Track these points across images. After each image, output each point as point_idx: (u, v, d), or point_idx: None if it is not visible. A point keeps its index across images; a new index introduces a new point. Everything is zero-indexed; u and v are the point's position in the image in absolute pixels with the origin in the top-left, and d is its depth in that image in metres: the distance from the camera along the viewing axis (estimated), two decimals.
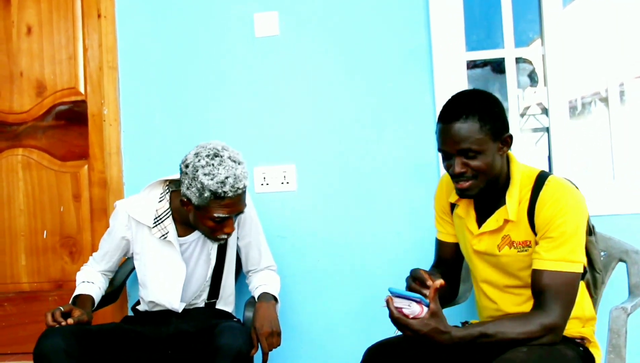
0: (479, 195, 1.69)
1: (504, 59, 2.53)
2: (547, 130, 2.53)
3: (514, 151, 2.46)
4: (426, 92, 2.44)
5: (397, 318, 1.53)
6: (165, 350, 2.00)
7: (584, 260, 1.64)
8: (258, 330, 1.91)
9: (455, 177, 1.68)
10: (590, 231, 1.76)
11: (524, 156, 2.49)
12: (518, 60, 2.60)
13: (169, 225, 2.04)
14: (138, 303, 2.21)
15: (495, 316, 1.77)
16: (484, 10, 2.81)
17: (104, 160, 2.62)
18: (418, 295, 1.53)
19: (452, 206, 1.87)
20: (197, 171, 1.85)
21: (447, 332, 1.52)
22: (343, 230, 2.49)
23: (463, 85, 2.45)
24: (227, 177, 1.83)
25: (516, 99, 2.52)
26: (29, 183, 2.72)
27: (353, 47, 2.50)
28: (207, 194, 1.84)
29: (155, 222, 2.03)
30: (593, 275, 1.81)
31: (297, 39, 2.53)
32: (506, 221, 1.70)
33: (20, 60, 2.73)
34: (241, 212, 1.95)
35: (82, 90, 2.69)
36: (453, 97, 1.70)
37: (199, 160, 1.86)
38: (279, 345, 1.94)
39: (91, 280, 2.11)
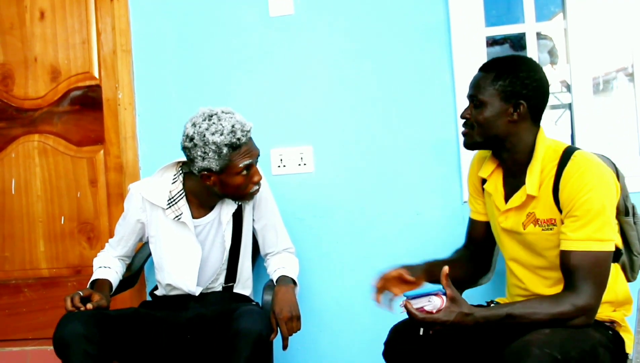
0: (479, 149, 1.76)
1: (524, 34, 2.46)
2: (570, 107, 2.46)
3: None
4: (445, 70, 2.38)
5: (424, 318, 1.50)
6: (184, 334, 1.99)
7: (615, 238, 1.57)
8: (277, 315, 1.88)
9: (463, 122, 1.75)
10: (627, 211, 1.69)
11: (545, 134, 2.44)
12: (538, 36, 2.53)
13: (183, 206, 2.02)
14: (156, 288, 2.20)
15: (524, 296, 1.73)
16: None
17: (120, 144, 2.61)
18: (433, 288, 1.51)
19: (483, 182, 1.83)
20: (204, 136, 1.84)
21: (471, 313, 1.49)
22: (361, 211, 2.46)
23: (483, 61, 2.37)
24: (233, 126, 1.85)
25: None
26: (46, 169, 2.71)
27: (369, 25, 2.45)
28: (225, 151, 1.84)
29: (169, 204, 2.02)
30: (630, 258, 1.73)
31: (313, 18, 2.48)
32: (529, 197, 1.66)
33: (34, 46, 2.71)
34: (258, 154, 1.95)
35: (96, 74, 2.67)
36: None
37: (200, 127, 1.86)
38: (299, 329, 1.92)
39: (108, 265, 2.10)
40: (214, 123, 1.85)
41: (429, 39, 2.42)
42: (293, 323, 1.90)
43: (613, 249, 1.56)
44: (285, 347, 1.90)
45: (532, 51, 2.43)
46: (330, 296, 2.48)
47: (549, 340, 1.42)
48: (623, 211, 1.68)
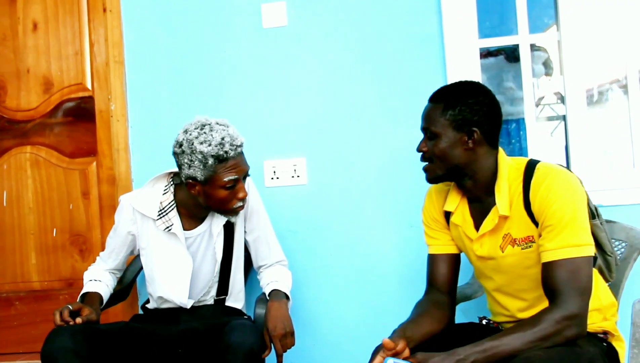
0: (443, 181, 1.74)
1: (518, 46, 2.46)
2: (564, 118, 2.46)
3: (530, 141, 2.43)
4: (438, 81, 2.37)
5: None
6: (175, 348, 1.97)
7: (592, 242, 1.56)
8: (271, 332, 1.85)
9: (421, 156, 1.73)
10: (593, 214, 1.68)
11: (540, 146, 2.43)
12: (532, 48, 2.53)
13: (174, 217, 2.01)
14: (148, 301, 2.18)
15: (511, 322, 1.70)
16: None
17: (112, 156, 2.60)
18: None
19: (447, 216, 1.81)
20: (192, 144, 1.83)
21: (448, 356, 1.43)
22: (355, 223, 2.44)
23: (476, 73, 2.39)
24: (223, 138, 1.83)
25: (531, 87, 2.45)
26: (38, 181, 2.69)
27: (362, 36, 2.45)
28: (210, 161, 1.82)
29: (159, 215, 2.00)
30: (605, 259, 1.74)
31: (306, 29, 2.48)
32: (502, 218, 1.65)
33: (26, 57, 2.70)
34: (247, 172, 1.93)
35: (89, 85, 2.66)
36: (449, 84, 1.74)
37: (190, 135, 1.85)
38: (293, 345, 1.89)
39: (99, 278, 2.08)
40: (204, 133, 1.84)
41: (422, 49, 2.41)
42: (287, 339, 1.87)
43: (592, 254, 1.53)
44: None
45: (526, 62, 2.42)
46: (323, 309, 2.46)
47: (549, 357, 1.40)
48: (590, 214, 1.67)
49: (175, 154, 1.90)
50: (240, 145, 1.88)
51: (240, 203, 1.94)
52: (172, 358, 1.96)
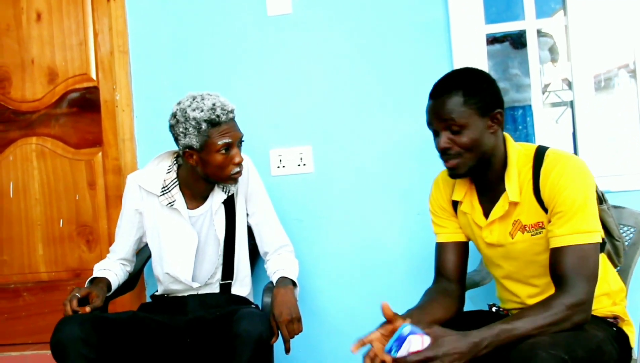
0: (472, 175, 1.67)
1: (524, 31, 2.44)
2: (571, 105, 2.44)
3: (537, 127, 2.42)
4: (445, 68, 2.36)
5: (419, 360, 1.37)
6: (183, 338, 1.98)
7: (601, 229, 1.56)
8: (277, 318, 1.86)
9: (443, 154, 1.65)
10: (600, 199, 1.68)
11: (546, 132, 2.42)
12: (538, 34, 2.51)
13: (176, 194, 2.05)
14: (157, 291, 2.19)
15: (520, 309, 1.69)
16: None
17: (118, 146, 2.59)
18: (401, 333, 1.41)
19: (455, 205, 1.80)
20: (185, 112, 1.91)
21: (464, 337, 1.41)
22: (362, 211, 2.44)
23: (482, 59, 2.37)
24: (214, 104, 1.90)
25: (538, 73, 2.43)
26: (44, 172, 2.70)
27: (367, 23, 2.43)
28: (204, 126, 1.89)
29: (162, 191, 2.04)
30: (613, 244, 1.74)
31: (310, 17, 2.46)
32: (512, 204, 1.64)
33: (31, 48, 2.69)
34: (241, 139, 1.98)
35: (93, 76, 2.65)
36: (444, 75, 1.68)
37: (183, 105, 1.93)
38: (300, 331, 1.89)
39: (107, 268, 2.09)
40: (196, 101, 1.92)
41: (428, 37, 2.40)
42: (294, 325, 1.87)
43: (600, 241, 1.54)
44: (287, 350, 1.87)
45: (533, 48, 2.41)
46: (330, 297, 2.46)
47: (555, 342, 1.40)
48: (597, 200, 1.66)
49: (171, 126, 1.96)
50: (232, 111, 1.95)
51: (237, 169, 1.98)
52: (180, 347, 1.97)
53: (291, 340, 1.88)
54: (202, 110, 1.89)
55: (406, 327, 1.41)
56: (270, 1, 2.46)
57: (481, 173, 1.69)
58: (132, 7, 2.57)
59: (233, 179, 2.00)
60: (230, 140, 1.92)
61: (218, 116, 1.89)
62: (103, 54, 2.63)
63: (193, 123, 1.89)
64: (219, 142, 1.91)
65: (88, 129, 2.68)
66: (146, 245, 2.17)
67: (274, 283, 2.04)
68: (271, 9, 2.47)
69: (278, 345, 1.89)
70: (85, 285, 1.99)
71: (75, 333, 1.72)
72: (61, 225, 2.69)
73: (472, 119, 1.59)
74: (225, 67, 2.51)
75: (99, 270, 2.08)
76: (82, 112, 2.69)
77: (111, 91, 2.61)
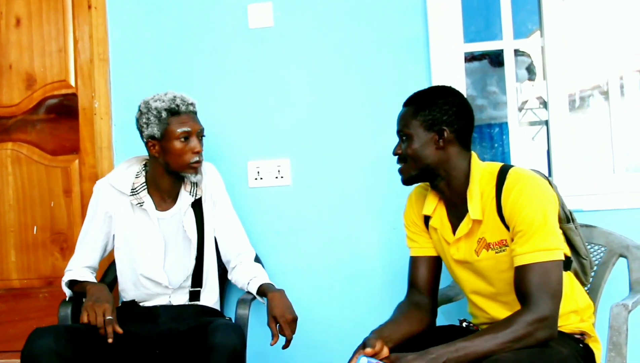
0: (412, 182, 1.77)
1: (502, 51, 2.48)
2: (546, 123, 2.49)
3: (513, 145, 2.45)
4: (423, 84, 2.37)
5: None
6: (155, 349, 1.96)
7: (562, 247, 1.59)
8: (280, 319, 1.90)
9: (397, 160, 1.77)
10: (568, 218, 1.73)
11: (522, 150, 2.46)
12: (516, 53, 2.55)
13: (145, 197, 2.09)
14: None
15: (489, 324, 1.72)
16: (482, 1, 2.77)
17: (95, 154, 2.58)
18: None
19: (427, 220, 1.83)
20: (148, 103, 2.03)
21: (421, 355, 1.46)
22: (339, 224, 2.45)
23: (461, 77, 2.40)
24: (174, 96, 2.03)
25: (515, 92, 2.48)
26: (19, 178, 2.66)
27: (348, 39, 2.45)
28: (164, 115, 2.00)
29: (132, 193, 2.08)
30: (580, 262, 1.77)
31: (292, 31, 2.48)
32: (475, 222, 1.67)
33: (9, 53, 2.67)
34: (201, 131, 2.07)
35: (72, 83, 2.63)
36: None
37: (146, 99, 2.06)
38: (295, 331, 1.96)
39: (84, 276, 2.08)
40: (159, 95, 2.05)
41: (408, 53, 2.42)
42: (294, 325, 1.94)
43: (562, 258, 1.56)
44: (286, 347, 1.95)
45: (510, 67, 2.45)
46: (307, 310, 2.44)
47: (518, 358, 1.42)
48: (564, 219, 1.72)
49: (136, 120, 2.07)
50: (192, 104, 2.06)
51: (196, 158, 2.04)
52: (152, 358, 1.95)
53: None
54: (163, 101, 2.01)
55: (362, 359, 1.48)
56: (252, 14, 2.47)
57: (436, 187, 1.74)
58: (114, 16, 2.57)
59: (192, 168, 2.05)
60: (189, 128, 2.01)
61: (178, 106, 2.01)
62: (83, 61, 2.61)
63: (154, 112, 2.00)
64: (178, 130, 2.00)
65: (65, 135, 2.66)
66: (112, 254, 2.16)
67: (254, 291, 2.05)
68: (253, 21, 2.48)
69: (249, 356, 1.89)
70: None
71: (50, 345, 1.70)
72: (35, 232, 2.65)
73: (417, 131, 1.69)
74: (206, 79, 2.51)
75: (70, 279, 2.06)
76: (60, 118, 2.67)
77: (90, 99, 2.59)
